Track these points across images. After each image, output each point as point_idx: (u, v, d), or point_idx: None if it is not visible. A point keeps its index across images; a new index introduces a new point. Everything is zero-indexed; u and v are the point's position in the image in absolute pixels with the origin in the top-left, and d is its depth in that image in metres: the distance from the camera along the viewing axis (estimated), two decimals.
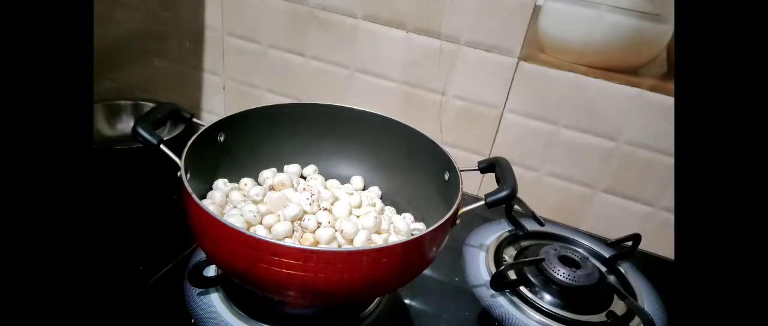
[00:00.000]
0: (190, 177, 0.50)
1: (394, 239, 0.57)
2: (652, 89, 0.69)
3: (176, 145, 0.53)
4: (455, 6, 0.73)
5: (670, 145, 0.72)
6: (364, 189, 0.68)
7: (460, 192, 0.53)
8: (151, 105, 0.97)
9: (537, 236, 0.76)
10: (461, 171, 0.57)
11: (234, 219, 0.54)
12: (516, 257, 0.72)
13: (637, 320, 0.62)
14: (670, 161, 0.73)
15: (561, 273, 0.64)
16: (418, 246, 0.48)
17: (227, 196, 0.60)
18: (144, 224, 0.70)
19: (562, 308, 0.63)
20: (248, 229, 0.53)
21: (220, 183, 0.61)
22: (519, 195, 0.57)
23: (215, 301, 0.57)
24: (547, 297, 0.64)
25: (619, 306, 0.65)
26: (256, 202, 0.57)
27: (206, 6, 0.87)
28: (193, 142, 0.54)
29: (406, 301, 0.63)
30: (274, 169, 0.66)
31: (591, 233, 0.80)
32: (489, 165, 0.60)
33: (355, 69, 0.83)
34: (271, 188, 0.60)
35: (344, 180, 0.69)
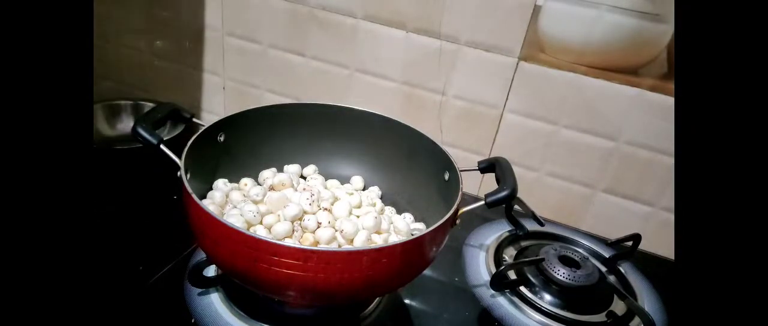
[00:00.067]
0: (190, 177, 0.50)
1: (394, 239, 0.57)
2: (652, 89, 0.69)
3: (176, 145, 0.53)
4: (455, 6, 0.73)
5: (670, 145, 0.72)
6: (364, 189, 0.68)
7: (460, 192, 0.53)
8: (151, 105, 0.97)
9: (537, 236, 0.76)
10: (461, 171, 0.57)
11: (234, 219, 0.54)
12: (516, 257, 0.72)
13: (637, 320, 0.62)
14: (670, 161, 0.73)
15: (561, 273, 0.64)
16: (418, 246, 0.48)
17: (227, 196, 0.60)
18: (144, 224, 0.70)
19: (562, 308, 0.63)
20: (248, 229, 0.53)
21: (220, 183, 0.61)
22: (519, 195, 0.57)
23: (215, 301, 0.57)
24: (547, 297, 0.64)
25: (619, 306, 0.65)
26: (256, 202, 0.57)
27: (206, 6, 0.87)
28: (193, 142, 0.54)
29: (406, 301, 0.63)
30: (274, 169, 0.66)
31: (591, 233, 0.80)
32: (489, 166, 0.60)
33: (355, 69, 0.83)
34: (271, 188, 0.60)
35: (344, 180, 0.69)
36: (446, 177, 0.59)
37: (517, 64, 0.74)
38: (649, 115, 0.70)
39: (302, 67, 0.86)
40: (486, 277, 0.67)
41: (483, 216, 0.80)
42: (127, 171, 0.82)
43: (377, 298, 0.61)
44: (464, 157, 0.82)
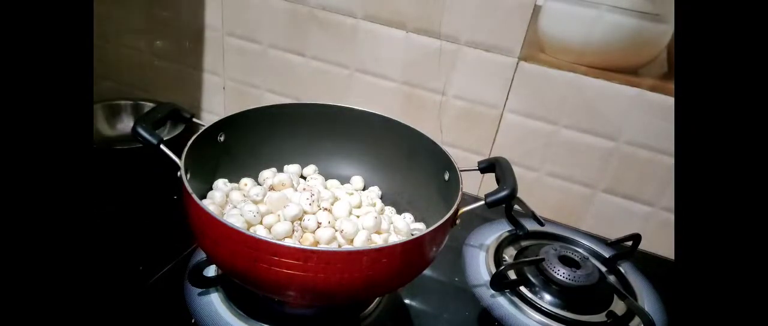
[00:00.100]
0: (190, 177, 0.50)
1: (394, 239, 0.57)
2: (652, 89, 0.69)
3: (176, 145, 0.53)
4: (455, 6, 0.73)
5: (670, 145, 0.72)
6: (364, 189, 0.68)
7: (460, 192, 0.53)
8: (151, 105, 0.97)
9: (537, 236, 0.76)
10: (461, 171, 0.57)
11: (234, 219, 0.54)
12: (516, 257, 0.72)
13: (637, 320, 0.62)
14: (670, 161, 0.73)
15: (561, 273, 0.64)
16: (418, 246, 0.48)
17: (227, 196, 0.60)
18: (144, 224, 0.70)
19: (562, 308, 0.63)
20: (248, 229, 0.53)
21: (220, 183, 0.61)
22: (519, 195, 0.57)
23: (215, 301, 0.57)
24: (547, 297, 0.64)
25: (619, 306, 0.65)
26: (256, 202, 0.57)
27: (206, 6, 0.87)
28: (193, 142, 0.54)
29: (406, 301, 0.63)
30: (274, 169, 0.66)
31: (591, 233, 0.80)
32: (489, 166, 0.60)
33: (355, 69, 0.83)
34: (271, 188, 0.60)
35: (344, 180, 0.69)
36: (446, 177, 0.59)
37: (517, 64, 0.74)
38: (649, 115, 0.70)
39: (302, 67, 0.86)
40: (486, 277, 0.67)
41: (483, 216, 0.80)
42: (127, 171, 0.82)
43: (377, 298, 0.61)
44: (464, 157, 0.82)
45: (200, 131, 0.57)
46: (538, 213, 0.68)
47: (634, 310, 0.62)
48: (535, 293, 0.65)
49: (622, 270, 0.71)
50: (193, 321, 0.55)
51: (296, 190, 0.60)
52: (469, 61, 0.76)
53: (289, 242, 0.49)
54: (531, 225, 0.74)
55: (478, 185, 0.83)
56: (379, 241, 0.56)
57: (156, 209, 0.73)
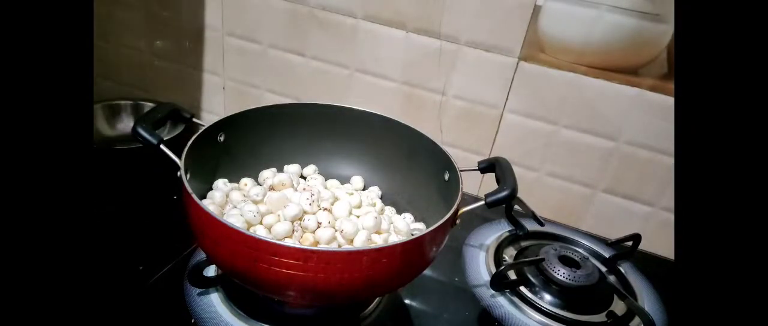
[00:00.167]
0: (190, 177, 0.50)
1: (394, 239, 0.57)
2: (652, 89, 0.69)
3: (176, 145, 0.53)
4: (455, 6, 0.73)
5: (670, 145, 0.72)
6: (364, 189, 0.68)
7: (460, 192, 0.53)
8: (151, 105, 0.97)
9: (537, 236, 0.76)
10: (461, 171, 0.57)
11: (234, 219, 0.54)
12: (516, 257, 0.72)
13: (637, 320, 0.62)
14: (670, 161, 0.73)
15: (561, 273, 0.64)
16: (418, 246, 0.48)
17: (227, 196, 0.60)
18: (144, 224, 0.70)
19: (562, 308, 0.63)
20: (248, 229, 0.53)
21: (220, 183, 0.61)
22: (519, 195, 0.57)
23: (215, 301, 0.57)
24: (547, 297, 0.64)
25: (619, 306, 0.65)
26: (256, 202, 0.57)
27: (206, 6, 0.87)
28: (193, 142, 0.54)
29: (406, 301, 0.63)
30: (274, 169, 0.66)
31: (591, 233, 0.80)
32: (489, 166, 0.60)
33: (355, 69, 0.83)
34: (271, 188, 0.60)
35: (344, 180, 0.69)
36: (446, 177, 0.59)
37: (517, 64, 0.74)
38: (649, 115, 0.70)
39: (302, 67, 0.86)
40: (486, 277, 0.67)
41: (483, 216, 0.80)
42: (127, 171, 0.82)
43: (377, 298, 0.61)
44: (464, 157, 0.82)
45: (200, 131, 0.57)
46: (538, 213, 0.68)
47: (634, 310, 0.62)
48: (535, 293, 0.65)
49: (622, 270, 0.71)
50: (193, 321, 0.55)
51: (296, 190, 0.60)
52: (469, 61, 0.76)
53: (289, 242, 0.49)
54: (531, 225, 0.74)
55: (478, 185, 0.83)
56: (379, 241, 0.56)
57: (156, 209, 0.73)
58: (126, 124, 0.97)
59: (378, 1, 0.77)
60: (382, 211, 0.63)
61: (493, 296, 0.64)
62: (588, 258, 0.69)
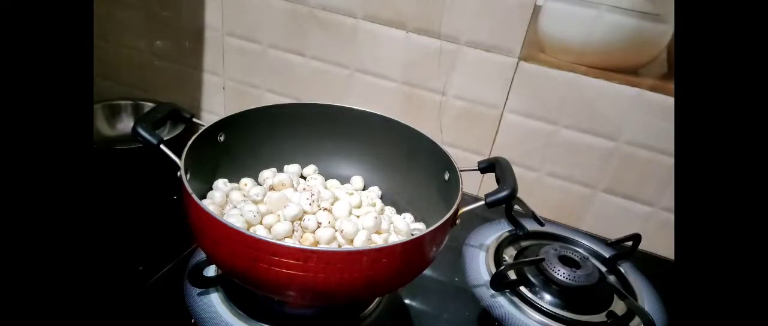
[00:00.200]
0: (190, 177, 0.50)
1: (394, 239, 0.57)
2: (652, 89, 0.69)
3: (176, 145, 0.53)
4: (455, 6, 0.73)
5: (670, 145, 0.72)
6: (364, 189, 0.68)
7: (460, 192, 0.53)
8: (151, 105, 0.97)
9: (537, 236, 0.76)
10: (461, 171, 0.57)
11: (234, 219, 0.54)
12: (516, 257, 0.72)
13: (637, 320, 0.62)
14: (670, 161, 0.73)
15: (561, 273, 0.64)
16: (418, 246, 0.48)
17: (227, 196, 0.60)
18: (144, 224, 0.70)
19: (562, 308, 0.63)
20: (248, 229, 0.53)
21: (220, 183, 0.61)
22: (519, 195, 0.57)
23: (215, 301, 0.57)
24: (547, 297, 0.64)
25: (619, 306, 0.65)
26: (256, 202, 0.57)
27: (206, 6, 0.87)
28: (193, 142, 0.54)
29: (406, 301, 0.63)
30: (274, 169, 0.66)
31: (591, 233, 0.80)
32: (489, 166, 0.60)
33: (355, 69, 0.83)
34: (271, 188, 0.60)
35: (344, 180, 0.69)
36: (446, 177, 0.59)
37: (517, 64, 0.74)
38: (649, 115, 0.70)
39: (302, 67, 0.86)
40: (486, 277, 0.67)
41: (483, 216, 0.80)
42: (127, 171, 0.82)
43: (377, 298, 0.61)
44: (464, 157, 0.82)
45: (200, 131, 0.57)
46: (538, 213, 0.68)
47: (634, 310, 0.62)
48: (535, 293, 0.65)
49: (622, 270, 0.71)
50: (193, 321, 0.55)
51: (296, 190, 0.60)
52: (469, 61, 0.76)
53: (289, 242, 0.49)
54: (531, 225, 0.74)
55: (478, 185, 0.83)
56: (379, 241, 0.56)
57: (156, 209, 0.73)
58: (126, 124, 0.97)
59: (378, 1, 0.77)
60: (382, 211, 0.63)
61: (493, 296, 0.64)
62: (588, 258, 0.69)
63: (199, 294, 0.58)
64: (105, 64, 1.01)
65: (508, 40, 0.73)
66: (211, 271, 0.61)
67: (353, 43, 0.81)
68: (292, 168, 0.67)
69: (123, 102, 0.98)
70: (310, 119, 0.68)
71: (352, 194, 0.62)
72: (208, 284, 0.58)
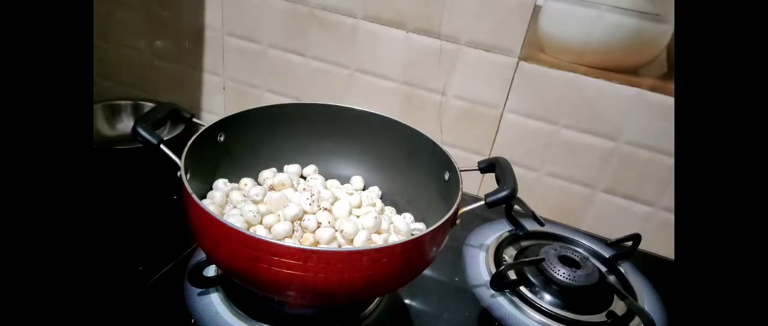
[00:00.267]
0: (190, 177, 0.50)
1: (394, 239, 0.57)
2: (652, 89, 0.69)
3: (176, 145, 0.53)
4: (455, 6, 0.73)
5: (670, 145, 0.72)
6: (364, 189, 0.68)
7: (460, 192, 0.53)
8: (151, 105, 0.97)
9: (537, 236, 0.76)
10: (461, 171, 0.57)
11: (234, 219, 0.54)
12: (516, 257, 0.72)
13: (637, 320, 0.62)
14: (670, 161, 0.73)
15: (561, 273, 0.64)
16: (418, 246, 0.48)
17: (227, 196, 0.60)
18: (144, 224, 0.70)
19: (562, 308, 0.63)
20: (248, 229, 0.53)
21: (220, 183, 0.61)
22: (519, 195, 0.57)
23: (215, 301, 0.57)
24: (547, 297, 0.64)
25: (619, 306, 0.65)
26: (256, 202, 0.57)
27: (206, 6, 0.87)
28: (193, 142, 0.54)
29: (406, 301, 0.63)
30: (274, 169, 0.66)
31: (591, 233, 0.80)
32: (489, 166, 0.60)
33: (355, 69, 0.83)
34: (271, 188, 0.60)
35: (344, 180, 0.69)
36: (446, 177, 0.59)
37: (517, 64, 0.74)
38: (649, 115, 0.70)
39: (302, 67, 0.86)
40: (486, 277, 0.67)
41: (483, 216, 0.80)
42: (127, 171, 0.82)
43: (377, 298, 0.61)
44: (464, 157, 0.82)
45: (200, 131, 0.57)
46: (538, 213, 0.68)
47: (634, 310, 0.62)
48: (535, 293, 0.65)
49: (622, 270, 0.71)
50: (193, 321, 0.55)
51: (296, 190, 0.60)
52: (469, 61, 0.76)
53: (289, 242, 0.50)
54: (531, 225, 0.74)
55: (478, 185, 0.83)
56: (379, 241, 0.56)
57: (156, 209, 0.73)
58: (126, 124, 0.97)
59: (378, 1, 0.77)
60: (382, 211, 0.63)
61: (493, 296, 0.64)
62: (588, 258, 0.69)
63: (199, 294, 0.58)
64: (105, 64, 1.01)
65: (508, 40, 0.73)
66: (211, 271, 0.61)
67: (353, 43, 0.81)
68: (292, 169, 0.67)
69: (123, 102, 0.98)
70: (310, 119, 0.68)
71: (352, 194, 0.62)
72: (208, 284, 0.58)
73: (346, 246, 0.54)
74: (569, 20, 0.69)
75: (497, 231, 0.76)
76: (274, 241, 0.43)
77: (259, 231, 0.54)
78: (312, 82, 0.87)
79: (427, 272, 0.61)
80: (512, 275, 0.67)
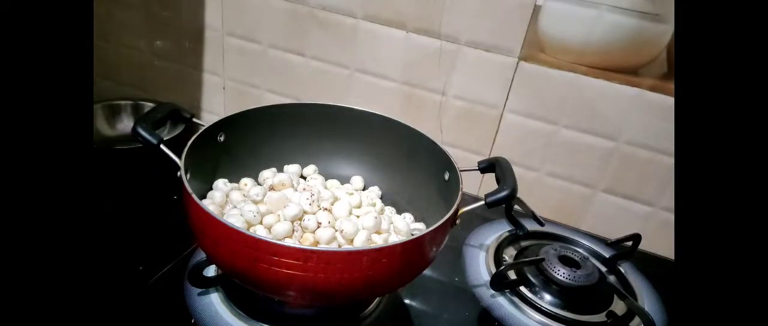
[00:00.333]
0: (190, 177, 0.50)
1: (394, 239, 0.57)
2: (652, 89, 0.69)
3: (176, 145, 0.53)
4: (455, 6, 0.73)
5: (670, 145, 0.72)
6: (364, 189, 0.68)
7: (460, 192, 0.53)
8: (151, 105, 0.97)
9: (537, 236, 0.76)
10: (461, 171, 0.57)
11: (234, 219, 0.54)
12: (516, 257, 0.72)
13: (637, 320, 0.62)
14: (670, 161, 0.73)
15: (561, 273, 0.64)
16: (418, 246, 0.48)
17: (227, 196, 0.60)
18: (144, 224, 0.70)
19: (562, 308, 0.63)
20: (248, 229, 0.53)
21: (220, 183, 0.61)
22: (519, 195, 0.57)
23: (215, 301, 0.57)
24: (547, 297, 0.64)
25: (619, 306, 0.65)
26: (256, 202, 0.57)
27: (206, 6, 0.87)
28: (193, 142, 0.54)
29: (406, 301, 0.63)
30: (274, 169, 0.66)
31: (591, 233, 0.80)
32: (489, 165, 0.60)
33: (355, 69, 0.83)
34: (271, 188, 0.60)
35: (344, 180, 0.69)
36: (446, 177, 0.59)
37: (517, 64, 0.74)
38: (649, 115, 0.70)
39: (302, 67, 0.86)
40: (486, 277, 0.67)
41: (483, 216, 0.80)
42: (127, 171, 0.82)
43: (377, 298, 0.61)
44: (464, 157, 0.82)
45: (200, 131, 0.57)
46: (538, 213, 0.68)
47: (634, 310, 0.62)
48: (535, 293, 0.65)
49: (622, 270, 0.71)
50: (193, 321, 0.55)
51: (296, 190, 0.60)
52: (469, 61, 0.76)
53: (289, 242, 0.50)
54: (531, 225, 0.74)
55: (478, 185, 0.83)
56: (379, 241, 0.56)
57: (156, 209, 0.73)
58: (126, 124, 0.97)
59: (378, 1, 0.77)
60: (382, 211, 0.63)
61: (493, 296, 0.64)
62: (588, 258, 0.69)
63: (199, 294, 0.58)
64: (105, 64, 1.01)
65: (508, 40, 0.73)
66: (211, 271, 0.61)
67: (353, 43, 0.81)
68: (292, 169, 0.67)
69: (123, 102, 0.98)
70: (310, 119, 0.68)
71: (352, 194, 0.62)
72: (208, 284, 0.58)
73: (346, 246, 0.54)
74: (569, 20, 0.69)
75: (497, 231, 0.76)
76: (274, 241, 0.43)
77: (259, 231, 0.54)
78: (312, 82, 0.87)
79: (427, 272, 0.61)
80: (512, 275, 0.67)
